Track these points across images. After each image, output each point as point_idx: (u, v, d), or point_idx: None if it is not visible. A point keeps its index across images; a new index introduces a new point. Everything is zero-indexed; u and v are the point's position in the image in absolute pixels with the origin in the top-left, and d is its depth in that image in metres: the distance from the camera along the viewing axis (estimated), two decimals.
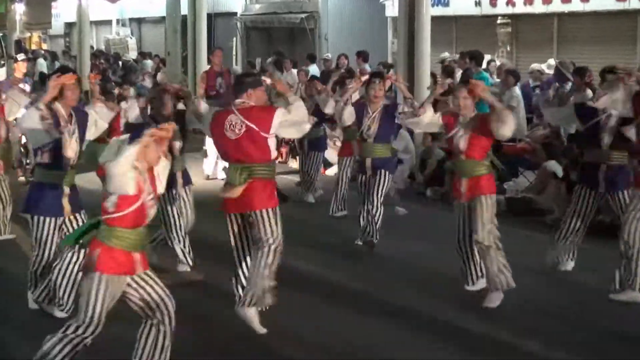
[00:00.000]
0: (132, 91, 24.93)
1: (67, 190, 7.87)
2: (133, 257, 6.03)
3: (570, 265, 9.45)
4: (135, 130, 6.35)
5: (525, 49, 20.76)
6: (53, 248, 7.87)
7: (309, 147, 13.79)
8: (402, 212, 12.50)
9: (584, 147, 9.53)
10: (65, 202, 7.87)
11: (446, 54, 18.58)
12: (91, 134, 8.09)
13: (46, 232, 7.84)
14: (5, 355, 7.22)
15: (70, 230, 7.81)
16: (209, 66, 17.56)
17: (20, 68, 15.94)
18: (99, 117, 8.09)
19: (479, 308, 8.24)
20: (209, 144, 15.41)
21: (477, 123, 8.32)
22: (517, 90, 14.97)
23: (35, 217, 7.84)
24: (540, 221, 11.74)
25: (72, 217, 7.94)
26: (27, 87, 15.64)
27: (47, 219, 7.82)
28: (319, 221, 12.20)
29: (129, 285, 6.07)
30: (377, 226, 10.15)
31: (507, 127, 8.01)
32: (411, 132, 14.79)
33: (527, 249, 10.10)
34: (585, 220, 9.16)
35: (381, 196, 10.16)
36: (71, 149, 7.75)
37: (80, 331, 5.96)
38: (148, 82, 26.84)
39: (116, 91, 17.78)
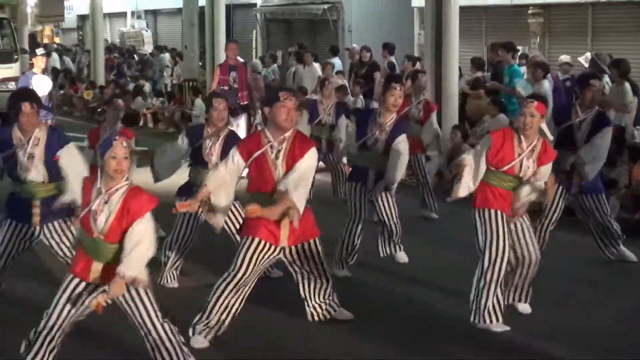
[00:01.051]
0: (147, 86, 24.66)
1: (36, 202, 7.95)
2: (92, 265, 6.24)
3: None
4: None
5: (558, 40, 20.27)
6: (6, 254, 7.98)
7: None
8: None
9: None
10: (35, 212, 7.97)
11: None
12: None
13: (5, 232, 7.97)
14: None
15: (55, 238, 8.04)
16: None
17: (39, 63, 15.46)
18: (66, 161, 7.89)
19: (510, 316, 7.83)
20: None
21: (541, 152, 7.59)
22: (546, 84, 14.36)
23: (3, 222, 8.08)
24: (574, 221, 11.05)
25: (50, 226, 8.04)
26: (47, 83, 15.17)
27: (12, 222, 7.99)
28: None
29: (105, 290, 6.22)
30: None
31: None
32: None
33: (560, 250, 9.76)
34: None
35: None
36: (26, 169, 7.86)
37: (43, 323, 6.29)
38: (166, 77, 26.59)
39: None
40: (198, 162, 8.87)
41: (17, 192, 7.98)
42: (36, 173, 7.83)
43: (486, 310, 7.57)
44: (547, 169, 7.59)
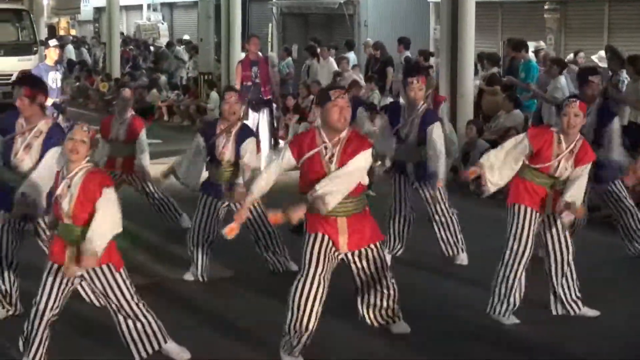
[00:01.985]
0: (163, 79, 24.68)
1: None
2: (66, 249, 6.41)
3: None
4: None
5: (574, 36, 20.12)
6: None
7: None
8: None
9: None
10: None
11: (541, 43, 17.67)
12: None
13: None
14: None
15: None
16: (243, 54, 16.96)
17: (52, 55, 15.38)
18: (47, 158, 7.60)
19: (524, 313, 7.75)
20: None
21: (581, 153, 7.45)
22: (562, 80, 14.35)
23: None
24: (594, 219, 10.93)
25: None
26: (59, 75, 15.11)
27: None
28: None
29: (83, 276, 6.51)
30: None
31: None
32: (454, 123, 14.15)
33: (578, 248, 9.38)
34: None
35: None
36: (20, 157, 7.65)
37: (33, 311, 6.49)
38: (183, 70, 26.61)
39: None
40: (213, 159, 8.91)
41: (3, 177, 7.77)
42: (27, 163, 7.62)
43: (500, 303, 7.59)
44: (585, 169, 7.48)
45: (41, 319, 6.50)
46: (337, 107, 6.64)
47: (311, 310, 6.75)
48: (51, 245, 6.66)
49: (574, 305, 7.81)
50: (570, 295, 7.80)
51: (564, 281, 7.76)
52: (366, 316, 7.33)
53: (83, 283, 6.73)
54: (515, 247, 7.54)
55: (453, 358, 7.18)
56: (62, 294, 6.53)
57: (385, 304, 7.25)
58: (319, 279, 6.75)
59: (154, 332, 6.74)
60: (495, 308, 7.66)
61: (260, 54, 16.18)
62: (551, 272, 7.74)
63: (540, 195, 7.54)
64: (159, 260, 9.50)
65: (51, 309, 6.50)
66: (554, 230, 7.65)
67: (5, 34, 22.23)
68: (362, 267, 7.02)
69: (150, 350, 6.74)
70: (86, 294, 7.78)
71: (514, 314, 7.66)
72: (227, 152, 8.77)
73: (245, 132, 8.90)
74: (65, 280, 6.51)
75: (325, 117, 6.70)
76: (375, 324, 7.36)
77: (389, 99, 16.73)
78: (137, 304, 6.64)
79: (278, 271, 9.18)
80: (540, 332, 7.54)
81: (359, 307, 7.30)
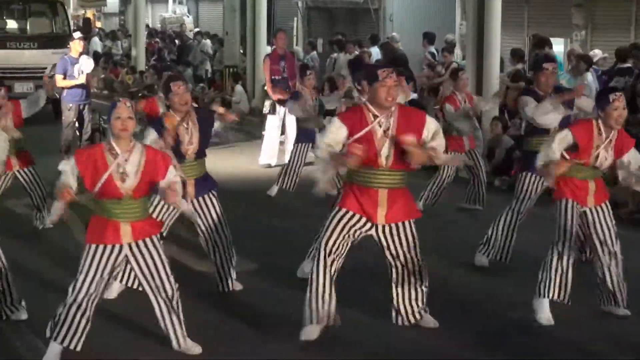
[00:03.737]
0: (188, 72, 24.70)
1: None
2: (120, 227, 6.46)
3: None
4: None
5: (602, 32, 19.94)
6: None
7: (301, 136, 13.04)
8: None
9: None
10: None
11: (596, 52, 17.56)
12: None
13: None
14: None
15: None
16: (271, 48, 16.96)
17: (76, 47, 15.41)
18: None
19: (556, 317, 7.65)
20: (269, 128, 15.00)
21: (618, 142, 7.41)
22: (589, 76, 14.33)
23: None
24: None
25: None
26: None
27: None
28: None
29: (127, 255, 6.55)
30: None
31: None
32: (479, 119, 14.13)
33: None
34: None
35: None
36: None
37: (71, 297, 6.44)
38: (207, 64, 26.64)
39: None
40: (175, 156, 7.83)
41: None
42: None
43: (547, 287, 7.53)
44: (634, 154, 7.47)
45: (80, 305, 6.45)
46: (385, 87, 6.85)
47: (327, 280, 6.95)
48: (95, 228, 6.54)
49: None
50: (613, 297, 7.74)
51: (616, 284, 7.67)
52: (399, 318, 7.35)
53: (128, 263, 6.65)
54: (562, 238, 7.49)
55: (482, 352, 7.18)
56: (103, 278, 6.50)
57: (415, 300, 7.27)
58: (332, 251, 6.93)
59: (182, 319, 6.77)
60: (544, 292, 7.57)
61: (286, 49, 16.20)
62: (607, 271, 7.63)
63: (583, 190, 7.50)
64: (183, 253, 9.48)
65: (91, 293, 6.46)
66: (599, 222, 7.57)
67: (40, 27, 22.10)
68: (394, 242, 7.08)
69: (186, 336, 6.75)
70: (127, 276, 7.82)
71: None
72: (194, 144, 7.93)
73: (205, 116, 8.16)
74: (109, 263, 6.48)
75: (373, 96, 6.91)
76: (407, 323, 7.35)
77: (414, 95, 16.70)
78: (172, 284, 6.66)
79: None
80: (569, 329, 7.52)
81: (392, 309, 7.33)
